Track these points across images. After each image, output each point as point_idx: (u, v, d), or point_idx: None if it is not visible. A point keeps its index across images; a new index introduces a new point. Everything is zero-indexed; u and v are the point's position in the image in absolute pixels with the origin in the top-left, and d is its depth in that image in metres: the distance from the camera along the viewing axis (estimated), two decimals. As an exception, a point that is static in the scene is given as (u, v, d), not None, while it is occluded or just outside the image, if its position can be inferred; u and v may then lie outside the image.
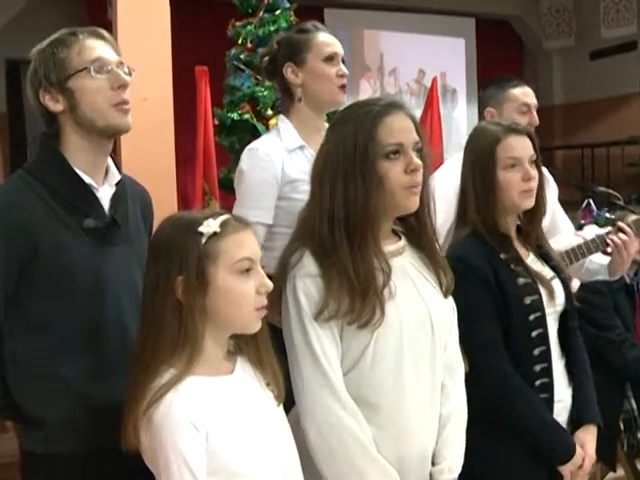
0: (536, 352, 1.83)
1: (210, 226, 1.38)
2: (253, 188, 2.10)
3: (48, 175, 1.58)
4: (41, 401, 1.55)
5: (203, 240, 1.37)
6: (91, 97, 1.57)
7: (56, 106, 1.59)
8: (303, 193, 2.06)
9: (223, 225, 1.39)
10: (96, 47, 1.59)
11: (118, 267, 1.61)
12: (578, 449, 1.84)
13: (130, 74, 1.62)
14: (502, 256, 1.86)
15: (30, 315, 1.55)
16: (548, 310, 1.86)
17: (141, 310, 1.43)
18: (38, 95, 1.59)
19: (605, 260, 2.45)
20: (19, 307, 1.55)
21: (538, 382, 1.83)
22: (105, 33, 1.65)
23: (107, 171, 1.67)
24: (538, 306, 1.84)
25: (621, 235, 2.35)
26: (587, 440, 1.88)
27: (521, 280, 1.84)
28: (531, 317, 1.83)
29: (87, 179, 1.61)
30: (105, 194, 1.64)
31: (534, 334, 1.83)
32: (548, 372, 1.85)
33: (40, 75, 1.58)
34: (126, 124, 1.61)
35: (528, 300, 1.83)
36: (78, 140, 1.60)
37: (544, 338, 1.85)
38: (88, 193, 1.61)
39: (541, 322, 1.84)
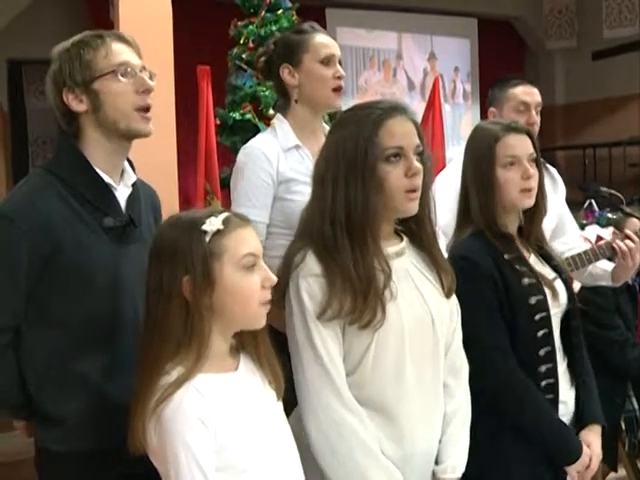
0: (542, 353, 1.83)
1: (213, 224, 1.38)
2: (250, 187, 2.09)
3: (69, 174, 1.60)
4: (60, 399, 1.56)
5: (207, 238, 1.37)
6: (115, 99, 1.60)
7: (79, 106, 1.61)
8: (296, 193, 2.06)
9: (225, 222, 1.39)
10: (122, 51, 1.62)
11: (133, 266, 1.62)
12: (585, 449, 1.84)
13: (152, 78, 1.64)
14: (506, 256, 1.86)
15: (48, 313, 1.56)
16: (552, 311, 1.86)
17: (144, 312, 1.44)
18: (61, 94, 1.61)
19: (609, 266, 2.45)
20: (38, 305, 1.56)
21: (543, 383, 1.83)
22: (130, 37, 1.67)
23: (123, 171, 1.69)
24: (543, 306, 1.84)
25: (628, 242, 2.34)
26: (593, 439, 1.88)
27: (526, 280, 1.84)
28: (536, 317, 1.83)
29: (107, 178, 1.63)
30: (122, 194, 1.67)
31: (539, 334, 1.83)
32: (553, 373, 1.84)
33: (65, 74, 1.60)
34: (147, 130, 1.64)
35: (533, 300, 1.83)
36: (98, 140, 1.62)
37: (549, 338, 1.85)
38: (107, 192, 1.63)
39: (546, 322, 1.84)
